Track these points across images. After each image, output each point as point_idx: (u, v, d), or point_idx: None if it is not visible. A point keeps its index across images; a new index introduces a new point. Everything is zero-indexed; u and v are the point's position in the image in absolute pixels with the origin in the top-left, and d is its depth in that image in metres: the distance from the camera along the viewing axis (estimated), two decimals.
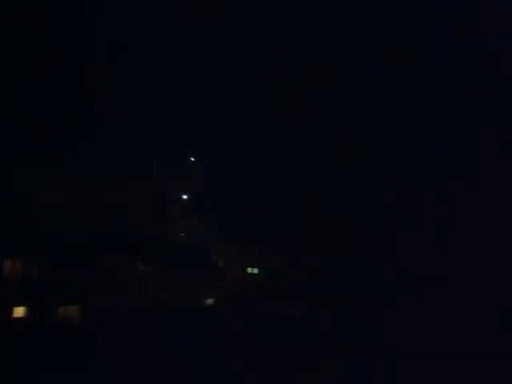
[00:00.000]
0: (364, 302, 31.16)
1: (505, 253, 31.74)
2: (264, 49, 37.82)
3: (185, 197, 40.77)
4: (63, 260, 26.06)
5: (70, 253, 26.37)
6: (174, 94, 37.45)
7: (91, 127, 32.46)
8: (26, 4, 30.04)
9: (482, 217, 33.63)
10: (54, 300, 25.19)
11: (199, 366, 22.42)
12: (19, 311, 23.62)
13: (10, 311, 23.34)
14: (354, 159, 38.76)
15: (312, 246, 37.78)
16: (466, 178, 34.94)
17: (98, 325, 25.55)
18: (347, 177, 38.63)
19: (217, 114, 38.89)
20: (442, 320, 28.14)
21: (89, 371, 20.43)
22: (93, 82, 32.08)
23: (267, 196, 39.89)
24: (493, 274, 31.59)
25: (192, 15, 35.57)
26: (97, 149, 32.38)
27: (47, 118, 31.04)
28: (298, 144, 39.69)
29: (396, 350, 24.74)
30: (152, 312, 29.74)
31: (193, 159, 41.76)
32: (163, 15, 35.54)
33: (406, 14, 37.09)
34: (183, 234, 39.19)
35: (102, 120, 32.84)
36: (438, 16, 36.60)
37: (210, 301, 36.46)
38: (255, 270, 40.12)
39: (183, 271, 33.88)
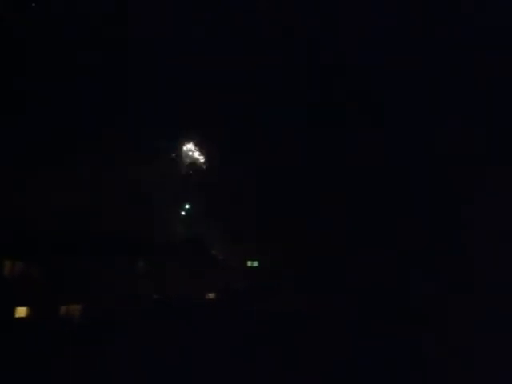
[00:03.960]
0: (365, 294, 31.15)
1: None
2: None
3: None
4: (62, 260, 26.42)
5: (69, 253, 26.74)
6: None
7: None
8: None
9: None
10: (55, 299, 25.59)
11: (204, 363, 22.55)
12: (21, 311, 24.03)
13: (12, 311, 23.76)
14: None
15: (313, 237, 37.87)
16: None
17: (99, 323, 25.88)
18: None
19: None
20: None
21: (91, 369, 20.72)
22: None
23: (267, 190, 40.03)
24: None
25: None
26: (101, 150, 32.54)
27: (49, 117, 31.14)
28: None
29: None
30: (153, 308, 30.12)
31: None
32: None
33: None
34: (182, 231, 39.48)
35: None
36: None
37: (210, 295, 36.81)
38: (255, 263, 40.34)
39: (183, 267, 34.16)
